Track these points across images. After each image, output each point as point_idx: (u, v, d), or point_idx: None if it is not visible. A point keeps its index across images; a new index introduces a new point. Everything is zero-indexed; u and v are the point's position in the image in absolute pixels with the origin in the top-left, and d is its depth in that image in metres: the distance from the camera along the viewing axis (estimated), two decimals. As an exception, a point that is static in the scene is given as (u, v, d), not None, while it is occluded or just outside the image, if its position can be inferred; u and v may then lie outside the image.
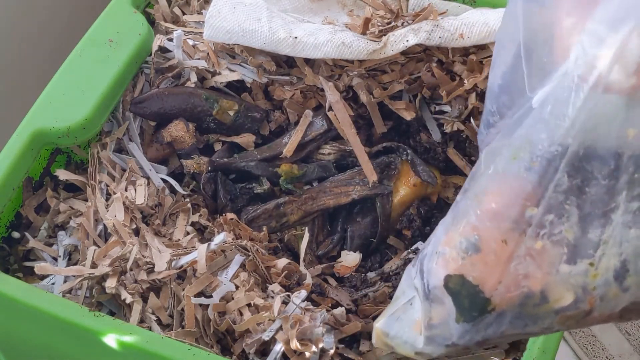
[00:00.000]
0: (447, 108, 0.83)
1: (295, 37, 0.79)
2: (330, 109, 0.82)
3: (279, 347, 0.65)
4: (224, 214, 0.76)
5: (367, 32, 0.81)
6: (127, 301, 0.67)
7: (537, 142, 0.45)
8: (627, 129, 0.44)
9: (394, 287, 0.74)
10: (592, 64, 0.43)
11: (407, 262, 0.76)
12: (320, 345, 0.65)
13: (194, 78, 0.82)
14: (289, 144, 0.81)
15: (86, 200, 0.75)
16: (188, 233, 0.75)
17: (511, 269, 0.47)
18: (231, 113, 0.81)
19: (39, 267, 0.70)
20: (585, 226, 0.46)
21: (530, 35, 0.47)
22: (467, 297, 0.48)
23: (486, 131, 0.51)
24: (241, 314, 0.68)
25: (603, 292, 0.47)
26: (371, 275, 0.77)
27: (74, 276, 0.69)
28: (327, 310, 0.68)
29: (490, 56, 0.80)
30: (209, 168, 0.80)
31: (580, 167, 0.45)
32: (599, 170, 0.45)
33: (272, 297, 0.69)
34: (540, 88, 0.46)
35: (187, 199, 0.78)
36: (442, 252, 0.49)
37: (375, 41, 0.79)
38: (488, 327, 0.49)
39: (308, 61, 0.83)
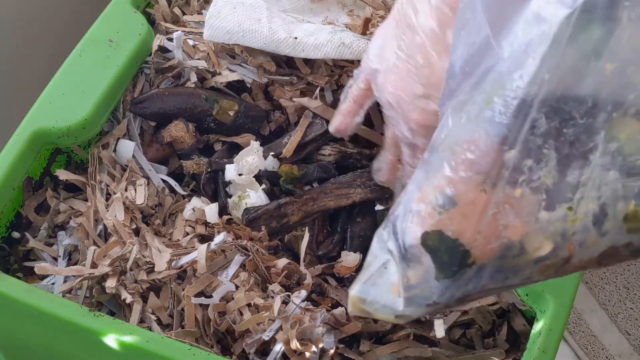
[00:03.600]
0: (447, 108, 0.83)
1: (296, 38, 0.79)
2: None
3: (279, 347, 0.65)
4: (221, 217, 0.77)
5: (367, 32, 0.81)
6: (127, 301, 0.67)
7: (511, 82, 0.44)
8: (604, 63, 0.43)
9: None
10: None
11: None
12: (320, 345, 0.65)
13: (194, 78, 0.82)
14: (289, 144, 0.81)
15: (86, 200, 0.76)
16: (188, 233, 0.75)
17: (490, 218, 0.46)
18: (231, 113, 0.81)
19: (39, 267, 0.70)
20: (564, 169, 0.45)
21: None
22: (446, 252, 0.47)
23: (447, 100, 0.51)
24: (241, 314, 0.68)
25: (582, 238, 0.47)
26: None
27: (74, 276, 0.69)
28: (327, 310, 0.68)
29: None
30: (209, 169, 0.80)
31: (558, 108, 0.44)
32: (576, 109, 0.44)
33: (272, 297, 0.69)
34: (507, 38, 0.45)
35: (187, 199, 0.78)
36: (416, 210, 0.48)
37: (375, 41, 0.79)
38: (468, 282, 0.48)
39: (308, 61, 0.83)
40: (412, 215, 0.49)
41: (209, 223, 0.76)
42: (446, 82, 0.51)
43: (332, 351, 0.65)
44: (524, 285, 0.50)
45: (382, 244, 0.52)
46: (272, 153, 0.81)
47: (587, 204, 0.46)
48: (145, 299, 0.69)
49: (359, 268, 0.79)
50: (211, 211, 0.76)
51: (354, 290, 0.53)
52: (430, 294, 0.49)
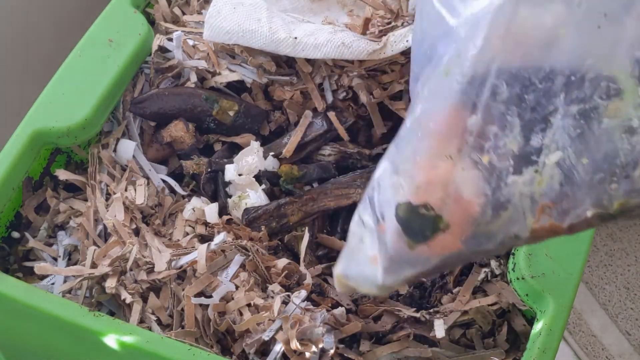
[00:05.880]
0: (447, 108, 0.83)
1: (295, 38, 0.79)
2: (330, 109, 0.82)
3: (279, 347, 0.65)
4: (221, 217, 0.77)
5: (367, 32, 0.81)
6: (127, 301, 0.67)
7: (466, 52, 0.46)
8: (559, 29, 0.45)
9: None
10: None
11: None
12: (320, 345, 0.65)
13: (194, 78, 0.82)
14: (289, 144, 0.81)
15: (86, 200, 0.76)
16: (188, 233, 0.75)
17: (458, 183, 0.47)
18: (231, 113, 0.81)
19: (38, 267, 0.70)
20: (528, 134, 0.46)
21: None
22: (417, 220, 0.49)
23: (415, 84, 0.52)
24: (241, 314, 0.68)
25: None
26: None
27: (74, 276, 0.69)
28: (327, 310, 0.68)
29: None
30: (209, 169, 0.80)
31: (518, 75, 0.46)
32: (535, 74, 0.46)
33: (272, 297, 0.69)
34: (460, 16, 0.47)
35: (187, 199, 0.78)
36: (390, 183, 0.50)
37: (375, 41, 0.79)
38: (443, 248, 0.49)
39: (308, 61, 0.83)
40: (385, 188, 0.50)
41: (209, 223, 0.76)
42: (411, 69, 0.53)
43: (332, 351, 0.65)
44: (500, 251, 0.51)
45: (358, 219, 0.53)
46: (272, 153, 0.81)
47: (552, 168, 0.47)
48: (145, 299, 0.69)
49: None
50: (211, 211, 0.76)
51: (337, 269, 0.54)
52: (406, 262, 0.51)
